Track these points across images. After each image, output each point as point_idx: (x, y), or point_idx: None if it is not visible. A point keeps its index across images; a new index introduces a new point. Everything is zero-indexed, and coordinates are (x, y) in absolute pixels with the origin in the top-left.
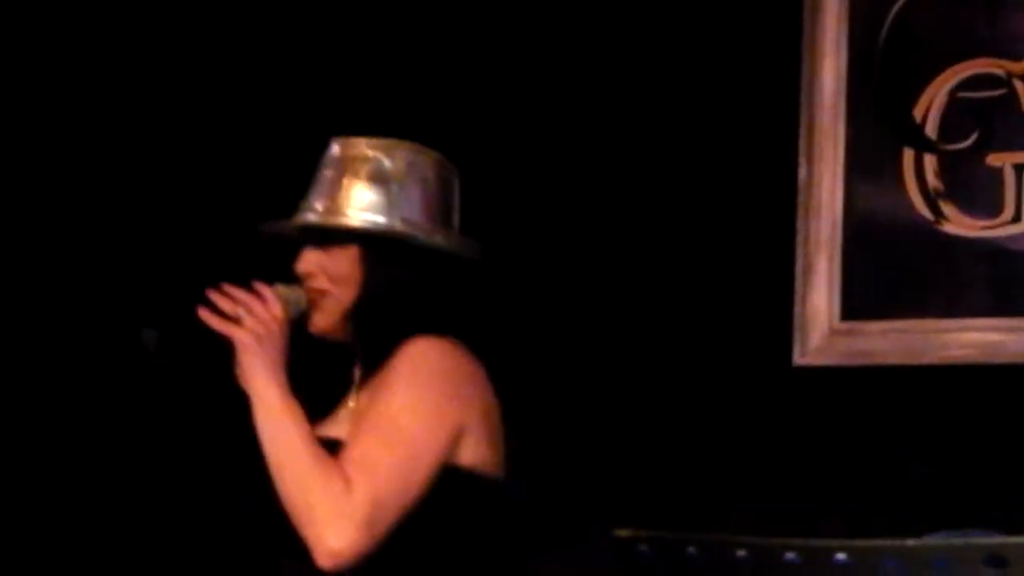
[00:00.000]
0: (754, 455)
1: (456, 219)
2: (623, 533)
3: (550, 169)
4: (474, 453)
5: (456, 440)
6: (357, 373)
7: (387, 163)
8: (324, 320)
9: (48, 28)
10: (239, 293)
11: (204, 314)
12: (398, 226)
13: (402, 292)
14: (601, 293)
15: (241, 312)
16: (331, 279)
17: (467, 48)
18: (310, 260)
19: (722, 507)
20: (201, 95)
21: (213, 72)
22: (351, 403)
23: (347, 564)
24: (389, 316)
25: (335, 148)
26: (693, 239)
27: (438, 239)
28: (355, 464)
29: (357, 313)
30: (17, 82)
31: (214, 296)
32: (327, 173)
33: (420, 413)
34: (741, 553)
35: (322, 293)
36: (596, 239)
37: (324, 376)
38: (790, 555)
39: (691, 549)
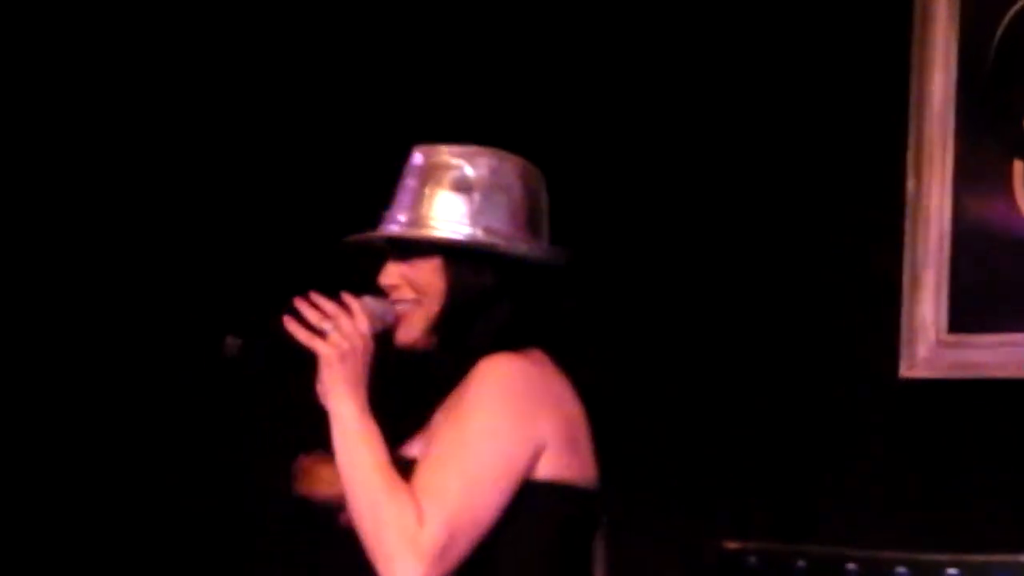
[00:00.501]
0: (860, 468)
1: (545, 225)
2: (732, 545)
3: (656, 178)
4: (555, 465)
5: (534, 458)
6: (438, 388)
7: (470, 171)
8: (410, 333)
9: (147, 41)
10: (327, 305)
11: (290, 325)
12: (480, 236)
13: (487, 302)
14: (710, 304)
15: (327, 325)
16: (416, 290)
17: (563, 50)
18: (394, 272)
19: (828, 520)
20: (289, 105)
21: (300, 82)
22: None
23: None
24: (475, 327)
25: (417, 156)
26: (801, 251)
27: (522, 247)
28: (427, 494)
29: (443, 325)
30: (109, 92)
31: (301, 306)
32: (410, 182)
33: (494, 438)
34: (851, 566)
35: (408, 305)
36: (704, 249)
37: (407, 392)
38: (901, 569)
39: (800, 562)
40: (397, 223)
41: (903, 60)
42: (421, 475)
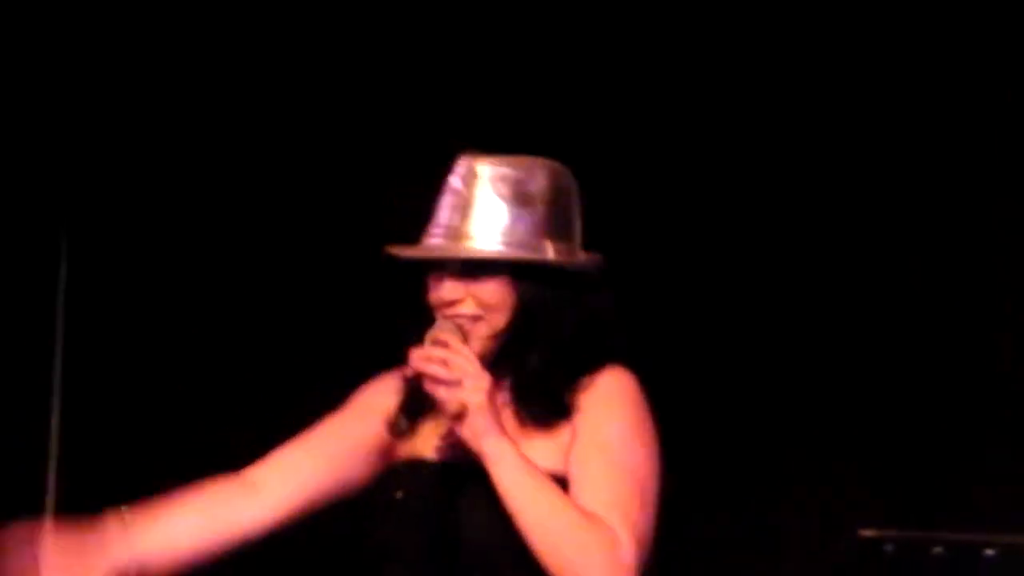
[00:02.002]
0: (995, 456)
1: (580, 234)
2: (868, 533)
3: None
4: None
5: None
6: (504, 399)
7: (531, 183)
8: (477, 347)
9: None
10: (445, 354)
11: (430, 387)
12: (550, 251)
13: (554, 315)
14: (847, 297)
15: (456, 375)
16: (481, 305)
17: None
18: (458, 288)
19: (962, 507)
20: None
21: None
22: (531, 439)
23: None
24: (538, 340)
25: (470, 166)
26: (931, 246)
27: (582, 258)
28: (611, 509)
29: (509, 338)
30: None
31: (424, 364)
32: (465, 194)
33: (647, 447)
34: (989, 552)
35: (474, 320)
36: (835, 245)
37: None
38: None
39: (937, 548)
40: (461, 237)
41: None
42: (599, 494)
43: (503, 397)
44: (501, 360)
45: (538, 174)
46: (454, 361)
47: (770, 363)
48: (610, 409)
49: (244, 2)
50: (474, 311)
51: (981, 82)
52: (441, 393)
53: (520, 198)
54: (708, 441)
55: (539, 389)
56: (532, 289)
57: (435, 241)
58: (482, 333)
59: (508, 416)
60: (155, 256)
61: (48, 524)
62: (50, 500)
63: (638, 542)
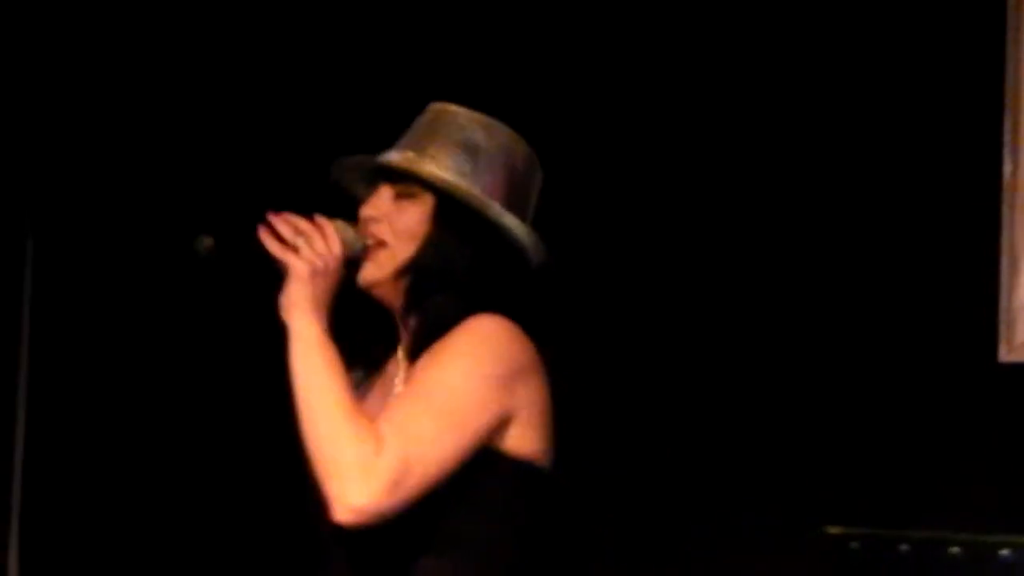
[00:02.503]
0: (960, 453)
1: (530, 216)
2: (834, 530)
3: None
4: (520, 441)
5: (502, 425)
6: (400, 339)
7: (482, 136)
8: (375, 272)
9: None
10: (302, 222)
11: (264, 235)
12: (477, 193)
13: (461, 261)
14: (809, 289)
15: (300, 242)
16: (394, 231)
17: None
18: (379, 206)
19: (927, 505)
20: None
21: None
22: (397, 379)
23: (365, 523)
24: (444, 284)
25: (434, 110)
26: (898, 237)
27: (512, 220)
28: (393, 425)
29: (411, 273)
30: None
31: (276, 220)
32: (419, 129)
33: (471, 389)
34: (955, 550)
35: (381, 243)
36: (801, 232)
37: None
38: (1005, 552)
39: (903, 546)
40: (398, 156)
41: (999, 45)
42: (390, 408)
43: (405, 337)
44: (408, 298)
45: (493, 132)
46: (305, 229)
47: (736, 360)
48: (451, 344)
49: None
50: (386, 236)
51: (979, 83)
52: (275, 250)
53: (464, 143)
54: (674, 439)
55: (432, 331)
56: (449, 225)
57: (390, 154)
58: (385, 260)
59: (404, 350)
60: (123, 258)
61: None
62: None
63: (405, 461)
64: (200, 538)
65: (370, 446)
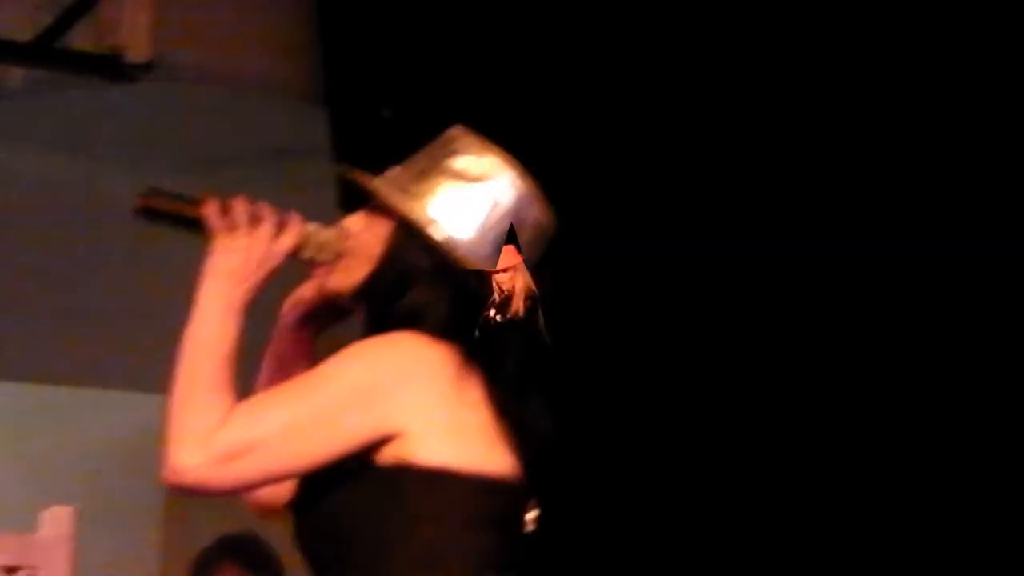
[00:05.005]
0: None
1: (529, 252)
2: None
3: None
4: (432, 451)
5: (398, 435)
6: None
7: (479, 168)
8: (338, 282)
9: None
10: (267, 210)
11: (210, 203)
12: (439, 229)
13: (408, 287)
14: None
15: (243, 221)
16: (359, 247)
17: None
18: (357, 221)
19: None
20: None
21: None
22: None
23: (187, 490)
24: (389, 304)
25: (450, 135)
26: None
27: (469, 257)
28: (249, 406)
29: (366, 291)
30: None
31: (238, 201)
32: (425, 153)
33: (334, 391)
34: None
35: (347, 255)
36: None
37: None
38: None
39: None
40: (383, 178)
41: None
42: (255, 396)
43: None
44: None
45: (500, 174)
46: (265, 218)
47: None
48: (346, 349)
49: None
50: (349, 251)
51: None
52: (211, 213)
53: (458, 174)
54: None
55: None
56: (403, 252)
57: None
58: (346, 272)
59: None
60: None
61: None
62: None
63: (244, 442)
64: None
65: (215, 418)
